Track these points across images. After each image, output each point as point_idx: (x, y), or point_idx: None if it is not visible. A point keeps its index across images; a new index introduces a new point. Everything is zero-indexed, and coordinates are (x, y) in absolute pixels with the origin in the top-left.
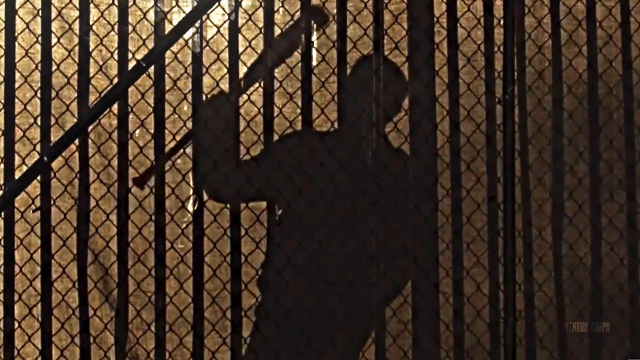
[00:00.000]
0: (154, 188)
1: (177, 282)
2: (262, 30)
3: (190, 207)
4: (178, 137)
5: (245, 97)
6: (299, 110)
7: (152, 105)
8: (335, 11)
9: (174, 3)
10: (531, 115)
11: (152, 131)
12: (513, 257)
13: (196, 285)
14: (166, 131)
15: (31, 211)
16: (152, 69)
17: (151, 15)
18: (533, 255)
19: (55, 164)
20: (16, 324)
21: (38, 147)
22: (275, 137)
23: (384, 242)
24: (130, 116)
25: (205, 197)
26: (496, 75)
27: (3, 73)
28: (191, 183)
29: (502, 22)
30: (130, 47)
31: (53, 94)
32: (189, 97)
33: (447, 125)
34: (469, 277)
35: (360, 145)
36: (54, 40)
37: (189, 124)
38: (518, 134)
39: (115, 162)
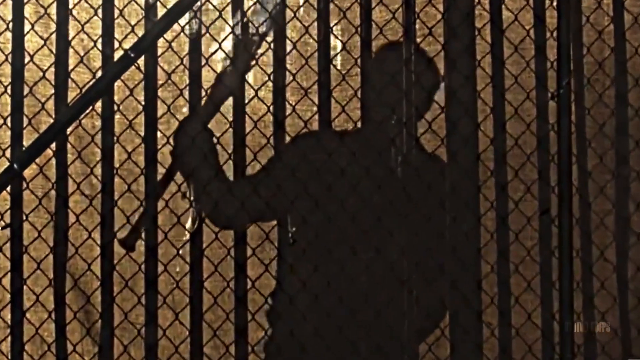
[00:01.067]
0: (144, 200)
1: (171, 311)
2: (272, 13)
3: (187, 224)
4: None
5: (251, 92)
6: (315, 108)
7: (142, 103)
8: None
9: None
10: (590, 112)
11: (142, 133)
12: (570, 281)
13: (194, 315)
14: (159, 134)
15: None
16: (142, 61)
17: None
18: (594, 279)
19: (27, 173)
20: None
21: (8, 153)
22: (288, 140)
23: (416, 263)
24: (117, 116)
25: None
26: (549, 66)
27: None
28: (188, 194)
29: (555, 3)
30: (116, 35)
31: (26, 90)
32: (186, 93)
33: (490, 125)
34: (518, 305)
35: (387, 149)
36: (27, 27)
37: None
38: (575, 135)
39: (98, 171)
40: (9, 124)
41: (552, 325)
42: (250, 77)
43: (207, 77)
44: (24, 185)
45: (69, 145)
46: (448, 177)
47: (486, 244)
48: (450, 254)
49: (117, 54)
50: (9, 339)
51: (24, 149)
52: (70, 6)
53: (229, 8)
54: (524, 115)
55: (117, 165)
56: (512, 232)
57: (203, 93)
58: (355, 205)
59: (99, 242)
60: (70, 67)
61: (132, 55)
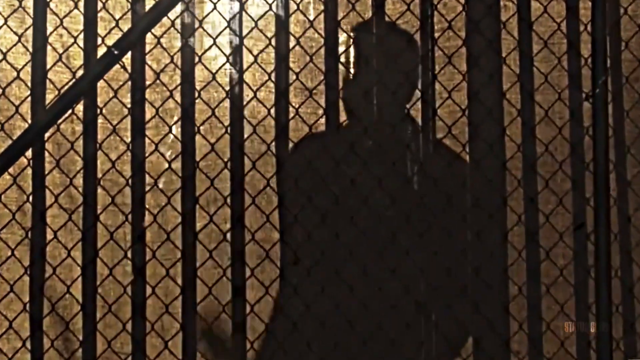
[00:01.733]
0: (130, 214)
1: (160, 339)
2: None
3: (179, 241)
4: (162, 148)
5: (250, 94)
6: (321, 111)
7: (128, 105)
8: None
9: None
10: (629, 115)
11: (127, 140)
12: (608, 304)
13: (186, 343)
14: (147, 140)
15: None
16: (127, 59)
17: None
18: (635, 303)
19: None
20: None
21: None
22: (290, 146)
23: (435, 285)
24: (100, 120)
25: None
26: (582, 63)
27: None
28: (179, 207)
29: None
30: (99, 30)
31: None
32: (177, 95)
33: (517, 130)
34: (550, 331)
35: (402, 157)
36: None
37: (177, 131)
38: (612, 139)
39: (79, 181)
40: None
41: (589, 354)
42: (247, 75)
43: (201, 77)
44: None
45: (46, 153)
46: (470, 188)
47: (513, 262)
48: (473, 274)
49: (100, 51)
50: None
51: None
52: None
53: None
54: (555, 118)
55: (99, 175)
56: (543, 249)
57: (196, 95)
58: (367, 219)
59: (79, 261)
60: (48, 66)
61: (116, 52)
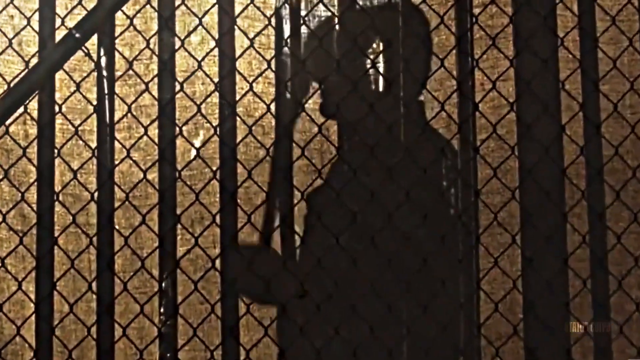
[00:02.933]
0: (96, 236)
1: None
2: None
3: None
4: (136, 154)
5: (245, 86)
6: None
7: (94, 102)
8: None
9: None
10: None
11: (93, 144)
12: None
13: None
14: (117, 144)
15: None
16: (93, 44)
17: None
18: None
19: None
20: None
21: None
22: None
23: (478, 325)
24: (59, 121)
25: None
26: None
27: None
28: (157, 228)
29: None
30: (57, 10)
31: None
32: (154, 89)
33: (579, 128)
34: None
35: (435, 163)
36: None
37: (154, 133)
38: None
39: (33, 196)
40: None
41: None
42: (241, 63)
43: (183, 66)
44: None
45: None
46: (522, 202)
47: (577, 294)
48: (526, 310)
49: (59, 35)
50: None
51: None
52: None
53: None
54: (626, 113)
55: (58, 188)
56: (614, 277)
57: (177, 87)
58: (391, 241)
59: (32, 296)
60: None
61: (77, 36)
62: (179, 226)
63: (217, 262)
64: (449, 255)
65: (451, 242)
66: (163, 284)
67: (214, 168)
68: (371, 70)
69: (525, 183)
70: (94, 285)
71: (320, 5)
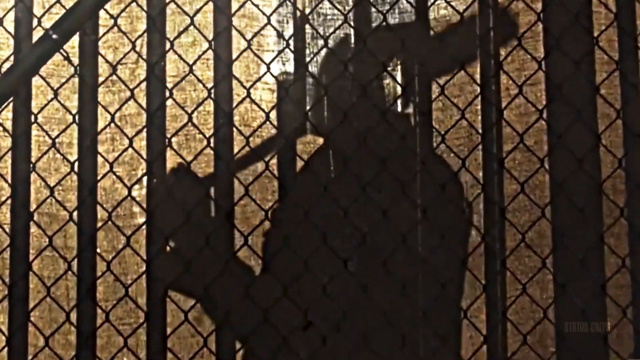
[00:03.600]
0: (76, 260)
1: None
2: None
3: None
4: (120, 169)
5: (242, 92)
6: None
7: (73, 111)
8: None
9: None
10: None
11: (72, 158)
12: None
13: None
14: (99, 158)
15: None
16: (72, 46)
17: None
18: None
19: None
20: None
21: None
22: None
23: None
24: (34, 132)
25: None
26: None
27: None
28: (143, 252)
29: None
30: (34, 11)
31: None
32: (140, 96)
33: (617, 138)
34: None
35: (455, 178)
36: None
37: (140, 145)
38: None
39: (5, 215)
40: None
41: None
42: (238, 67)
43: (173, 70)
44: None
45: None
46: (553, 220)
47: (615, 325)
48: (557, 341)
49: (36, 36)
50: None
51: None
52: None
53: None
54: None
55: (33, 206)
56: None
57: (167, 94)
58: (405, 265)
59: (4, 328)
60: None
61: (55, 37)
62: (168, 249)
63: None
64: (471, 280)
65: (474, 267)
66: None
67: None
68: (385, 80)
69: (557, 199)
70: (72, 315)
71: (326, 2)
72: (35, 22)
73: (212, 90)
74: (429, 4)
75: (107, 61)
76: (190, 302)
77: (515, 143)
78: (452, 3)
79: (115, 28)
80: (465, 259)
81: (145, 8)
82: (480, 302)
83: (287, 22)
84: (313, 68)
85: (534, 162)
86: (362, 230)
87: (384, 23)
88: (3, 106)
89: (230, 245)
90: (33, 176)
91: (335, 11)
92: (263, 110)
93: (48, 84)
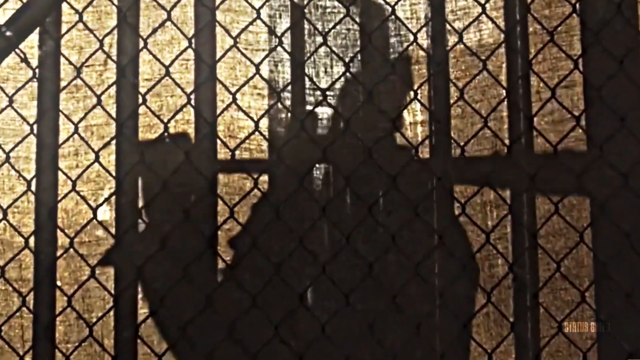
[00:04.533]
0: (33, 294)
1: None
2: None
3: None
4: (84, 188)
5: (226, 97)
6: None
7: (31, 120)
8: None
9: None
10: None
11: (29, 175)
12: None
13: None
14: (60, 175)
15: None
16: (30, 46)
17: None
18: None
19: None
20: None
21: None
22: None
23: None
24: None
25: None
26: None
27: None
28: (111, 285)
29: None
30: None
31: None
32: (109, 104)
33: None
34: None
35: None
36: None
37: (108, 160)
38: None
39: None
40: None
41: None
42: (222, 69)
43: (147, 72)
44: None
45: None
46: (594, 247)
47: None
48: None
49: None
50: None
51: None
52: None
53: None
54: None
55: None
56: None
57: (140, 100)
58: (420, 300)
59: None
60: None
61: (9, 34)
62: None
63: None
64: (497, 317)
65: (499, 301)
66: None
67: (187, 204)
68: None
69: (598, 222)
70: (27, 359)
71: None
72: None
73: (192, 96)
74: None
75: (70, 63)
76: (164, 344)
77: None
78: None
79: (81, 25)
80: (490, 291)
81: (115, 2)
82: (508, 343)
83: (280, 17)
84: (310, 70)
85: (566, 173)
86: (368, 258)
87: (393, 16)
88: None
89: (213, 275)
90: None
91: (336, 3)
92: (252, 118)
93: (2, 89)
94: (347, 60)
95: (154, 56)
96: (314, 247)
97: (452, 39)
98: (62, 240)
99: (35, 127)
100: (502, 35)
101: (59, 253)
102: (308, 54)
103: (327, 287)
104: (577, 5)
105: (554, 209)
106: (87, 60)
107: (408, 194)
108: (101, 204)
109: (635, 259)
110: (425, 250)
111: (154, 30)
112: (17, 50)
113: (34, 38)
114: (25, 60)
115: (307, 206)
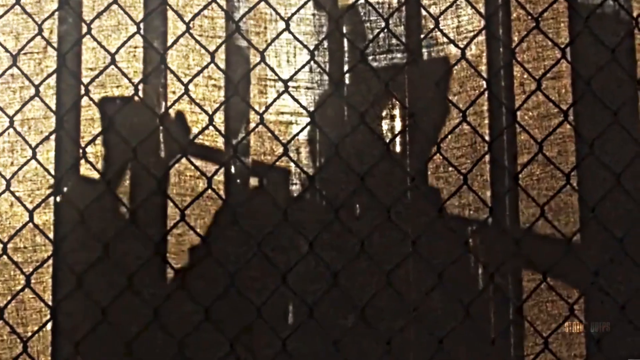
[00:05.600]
0: None
1: None
2: None
3: None
4: (20, 187)
5: (202, 118)
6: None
7: None
8: None
9: None
10: None
11: None
12: None
13: None
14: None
15: None
16: None
17: None
18: None
19: None
20: None
21: None
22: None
23: None
24: None
25: None
26: None
27: None
28: (47, 296)
29: None
30: None
31: None
32: (49, 95)
33: None
34: None
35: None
36: None
37: (47, 157)
38: None
39: None
40: None
41: None
42: (174, 57)
43: (90, 62)
44: None
45: None
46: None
47: None
48: None
49: None
50: None
51: None
52: None
53: None
54: None
55: None
56: None
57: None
58: (393, 314)
59: None
60: None
61: None
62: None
63: None
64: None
65: (477, 314)
66: None
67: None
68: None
69: (588, 226)
70: None
71: None
72: None
73: (140, 87)
74: None
75: (6, 50)
76: None
77: (533, 153)
78: None
79: (18, 8)
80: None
81: None
82: None
83: (239, 0)
84: (272, 60)
85: (557, 178)
86: (332, 267)
87: (362, 0)
88: None
89: (161, 285)
90: None
91: None
92: (206, 112)
93: None
94: (311, 48)
95: (99, 43)
96: (275, 255)
97: (427, 26)
98: None
99: None
100: (483, 22)
101: None
102: (268, 42)
103: (289, 298)
104: None
105: (539, 212)
106: (24, 47)
107: (379, 195)
108: (38, 206)
109: (629, 268)
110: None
111: (99, 14)
112: None
113: None
114: None
115: (267, 211)
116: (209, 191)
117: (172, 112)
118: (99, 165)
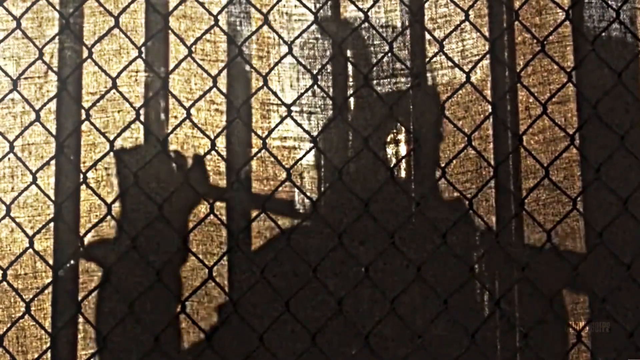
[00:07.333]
0: None
1: None
2: None
3: None
4: (21, 213)
5: (204, 141)
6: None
7: None
8: None
9: None
10: None
11: None
12: None
13: None
14: None
15: None
16: None
17: None
18: None
19: None
20: None
21: None
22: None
23: None
24: None
25: None
26: None
27: None
28: (47, 324)
29: None
30: None
31: None
32: (49, 119)
33: None
34: None
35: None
36: None
37: (47, 183)
38: None
39: None
40: None
41: None
42: (176, 81)
43: (91, 86)
44: None
45: None
46: (630, 291)
47: None
48: None
49: None
50: None
51: None
52: None
53: None
54: None
55: None
56: None
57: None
58: (396, 342)
59: None
60: None
61: None
62: (81, 320)
63: None
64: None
65: (484, 340)
66: None
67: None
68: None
69: (595, 253)
70: None
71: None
72: None
73: (142, 111)
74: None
75: (7, 74)
76: None
77: (539, 178)
78: None
79: (19, 32)
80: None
81: (57, 7)
82: None
83: (241, 24)
84: (274, 85)
85: (563, 203)
86: (336, 294)
87: (366, 24)
88: None
89: (164, 314)
90: None
91: (303, 10)
92: (208, 137)
93: None
94: (315, 72)
95: (100, 67)
96: (278, 281)
97: (431, 50)
98: None
99: None
100: (487, 45)
101: None
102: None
103: (291, 326)
104: (571, 12)
105: (545, 237)
106: (25, 71)
107: (383, 220)
108: (38, 231)
109: (637, 295)
110: (403, 284)
111: (100, 39)
112: None
113: None
114: None
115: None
116: (211, 216)
117: (189, 156)
118: (101, 191)
